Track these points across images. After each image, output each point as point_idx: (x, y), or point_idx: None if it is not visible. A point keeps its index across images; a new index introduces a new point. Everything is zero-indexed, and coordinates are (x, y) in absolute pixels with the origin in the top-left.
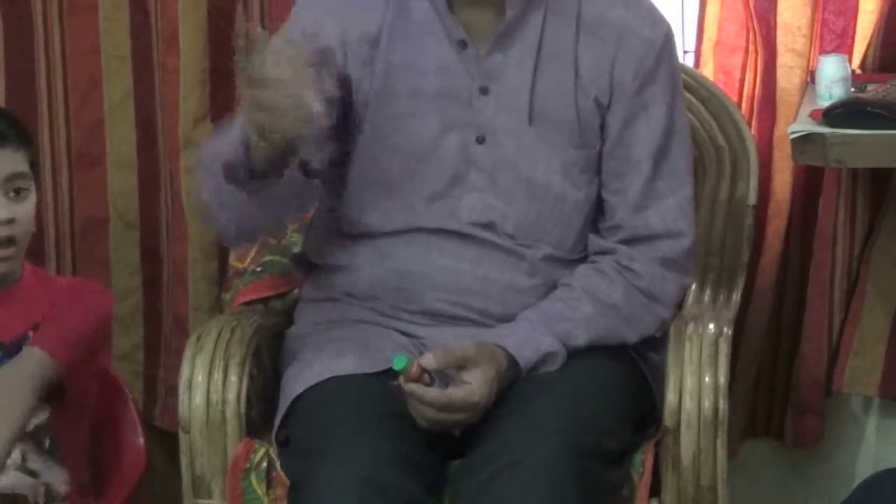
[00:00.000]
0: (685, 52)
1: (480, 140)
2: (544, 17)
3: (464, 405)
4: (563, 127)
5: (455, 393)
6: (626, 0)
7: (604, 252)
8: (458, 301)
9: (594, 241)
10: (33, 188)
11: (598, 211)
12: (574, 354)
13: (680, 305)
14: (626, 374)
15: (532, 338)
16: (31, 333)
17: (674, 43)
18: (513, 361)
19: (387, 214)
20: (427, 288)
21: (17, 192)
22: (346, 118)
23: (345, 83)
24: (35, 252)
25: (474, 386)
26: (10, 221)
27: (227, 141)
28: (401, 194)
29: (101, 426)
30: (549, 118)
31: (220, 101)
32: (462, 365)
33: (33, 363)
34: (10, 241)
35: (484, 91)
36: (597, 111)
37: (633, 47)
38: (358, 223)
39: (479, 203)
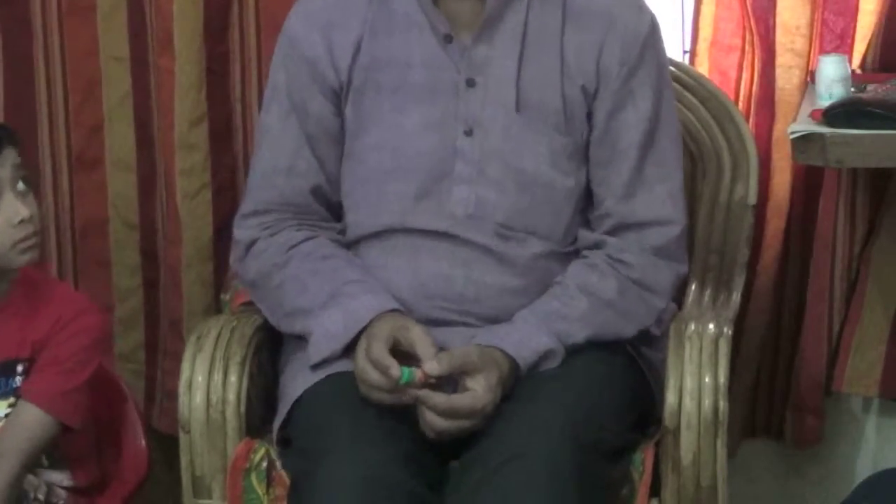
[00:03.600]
0: (685, 52)
1: (468, 133)
2: (528, 6)
3: (469, 411)
4: (549, 115)
5: (460, 399)
6: None
7: (594, 246)
8: (453, 307)
9: (584, 236)
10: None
11: (587, 202)
12: (573, 351)
13: (680, 305)
14: (625, 372)
15: (530, 337)
16: (21, 366)
17: (659, 31)
18: (514, 364)
19: (376, 213)
20: (422, 297)
21: (25, 182)
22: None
23: (336, 97)
24: None
25: (479, 392)
26: (31, 218)
27: (329, 327)
28: (389, 192)
29: (103, 427)
30: (536, 106)
31: (217, 103)
32: (465, 370)
33: (29, 426)
34: (35, 234)
35: (471, 83)
36: (583, 99)
37: (619, 35)
38: (348, 225)
39: (470, 195)
